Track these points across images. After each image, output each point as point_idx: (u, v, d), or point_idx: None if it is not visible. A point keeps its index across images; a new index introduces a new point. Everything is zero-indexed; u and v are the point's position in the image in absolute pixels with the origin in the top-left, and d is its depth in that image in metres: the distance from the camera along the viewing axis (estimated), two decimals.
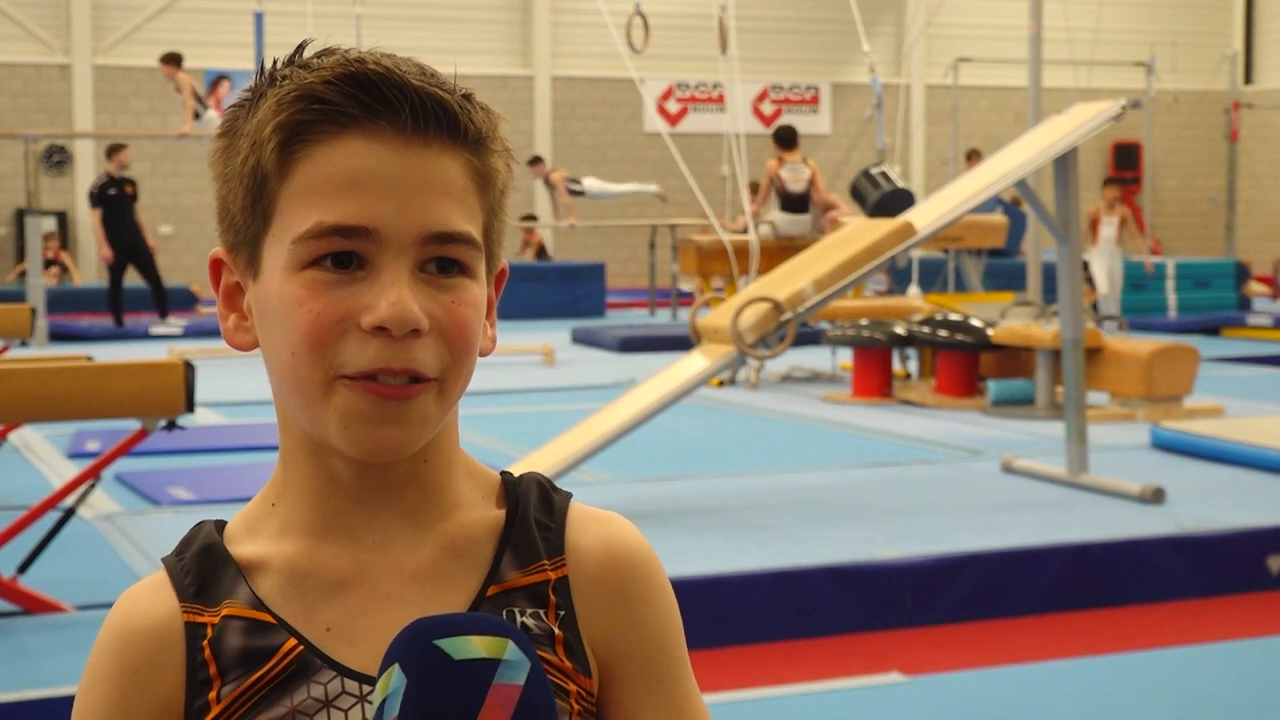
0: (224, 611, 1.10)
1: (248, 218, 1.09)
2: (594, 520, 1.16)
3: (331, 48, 1.11)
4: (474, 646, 0.97)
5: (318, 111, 1.06)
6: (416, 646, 0.97)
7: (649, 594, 1.15)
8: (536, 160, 18.00)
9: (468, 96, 1.09)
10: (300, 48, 1.12)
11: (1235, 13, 26.25)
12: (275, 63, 1.11)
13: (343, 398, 1.06)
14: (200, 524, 1.15)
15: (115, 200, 14.91)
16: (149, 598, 1.12)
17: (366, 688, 1.07)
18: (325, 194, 1.05)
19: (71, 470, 7.11)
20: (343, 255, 1.05)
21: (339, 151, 1.06)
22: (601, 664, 1.13)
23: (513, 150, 1.14)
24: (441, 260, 1.07)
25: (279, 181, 1.07)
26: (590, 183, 17.69)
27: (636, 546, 1.16)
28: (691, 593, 4.99)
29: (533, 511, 1.14)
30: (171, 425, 4.72)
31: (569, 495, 1.18)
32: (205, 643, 1.09)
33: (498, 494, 1.16)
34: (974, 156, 18.36)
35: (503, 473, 1.19)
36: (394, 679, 0.97)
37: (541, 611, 1.11)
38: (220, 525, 1.15)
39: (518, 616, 1.10)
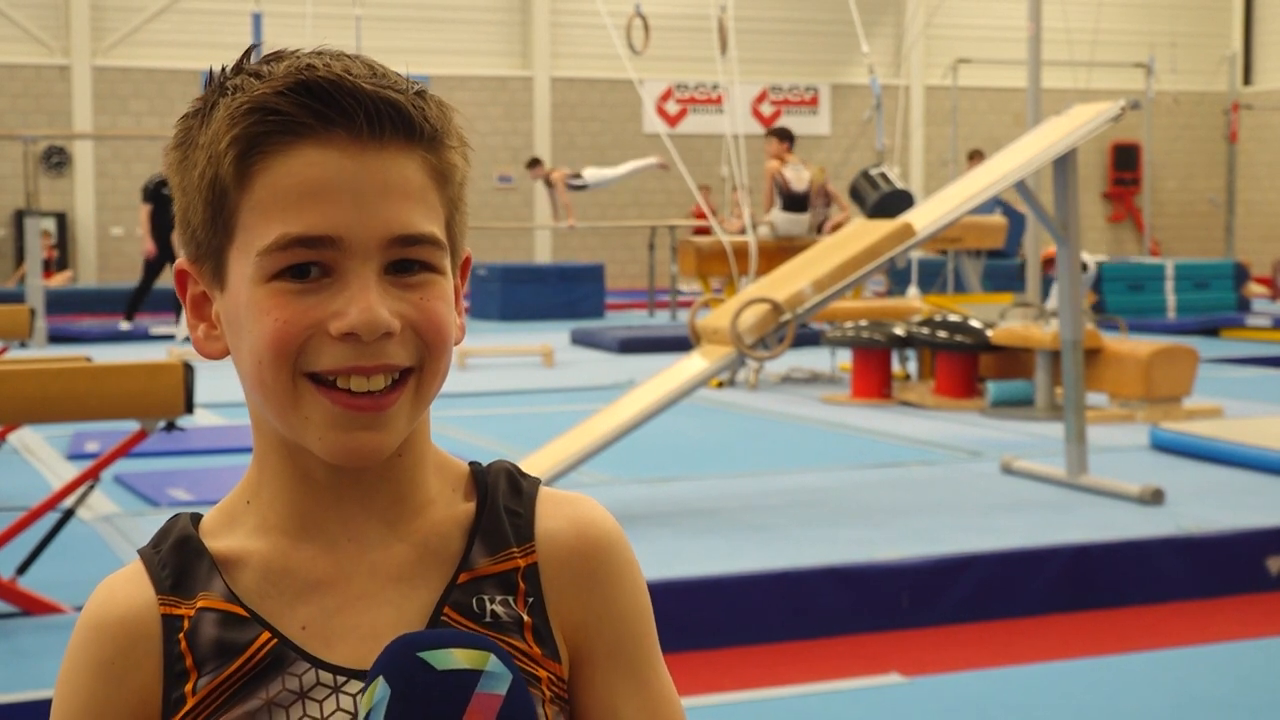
0: (199, 604, 1.10)
1: (209, 231, 1.09)
2: (563, 503, 1.17)
3: (280, 51, 1.10)
4: (456, 658, 0.99)
5: (272, 123, 1.06)
6: (400, 659, 0.99)
7: (619, 575, 1.16)
8: (535, 162, 17.78)
9: (420, 94, 1.10)
10: (247, 53, 1.12)
11: (1235, 13, 26.26)
12: (224, 69, 1.11)
13: (313, 404, 1.07)
14: (176, 516, 1.16)
15: (166, 199, 15.22)
16: (125, 589, 1.12)
17: (341, 679, 1.08)
18: (286, 205, 1.05)
19: (71, 471, 7.10)
20: (308, 264, 1.06)
21: (297, 162, 1.06)
22: (571, 648, 1.13)
23: (468, 141, 1.14)
24: (406, 261, 1.08)
25: (239, 194, 1.07)
26: (590, 173, 17.57)
27: (606, 528, 1.17)
28: (692, 593, 5.00)
29: (502, 499, 1.15)
30: (171, 426, 4.72)
31: (537, 481, 1.18)
32: (182, 635, 1.10)
33: (467, 485, 1.17)
34: (976, 156, 18.33)
35: (471, 463, 1.19)
36: (378, 690, 0.99)
37: (510, 598, 1.12)
38: (196, 518, 1.16)
39: (487, 604, 1.11)
